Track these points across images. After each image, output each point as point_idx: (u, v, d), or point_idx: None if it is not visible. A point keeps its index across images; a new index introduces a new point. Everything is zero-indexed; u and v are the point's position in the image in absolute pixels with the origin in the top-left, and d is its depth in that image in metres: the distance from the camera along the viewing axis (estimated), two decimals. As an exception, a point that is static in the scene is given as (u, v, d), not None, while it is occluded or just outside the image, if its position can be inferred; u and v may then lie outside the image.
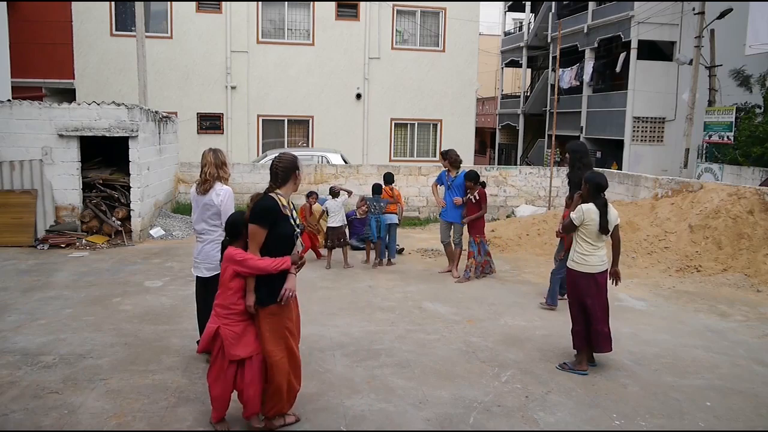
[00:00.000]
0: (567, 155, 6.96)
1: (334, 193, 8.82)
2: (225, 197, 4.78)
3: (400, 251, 9.61)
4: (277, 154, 4.10)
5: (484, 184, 8.18)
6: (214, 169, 4.81)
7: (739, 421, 4.23)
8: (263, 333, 3.77)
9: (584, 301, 4.96)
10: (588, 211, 4.94)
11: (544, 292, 7.33)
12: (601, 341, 5.00)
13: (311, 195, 9.21)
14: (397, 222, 8.99)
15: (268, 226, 3.75)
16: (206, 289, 4.99)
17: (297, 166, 3.92)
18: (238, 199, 13.40)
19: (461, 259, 8.32)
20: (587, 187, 5.05)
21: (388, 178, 9.03)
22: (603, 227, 4.94)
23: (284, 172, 3.87)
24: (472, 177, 7.99)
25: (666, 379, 4.89)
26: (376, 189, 8.81)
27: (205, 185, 4.82)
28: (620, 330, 5.92)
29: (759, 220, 8.63)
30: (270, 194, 3.85)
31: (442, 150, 8.80)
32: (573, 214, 5.03)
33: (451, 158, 8.28)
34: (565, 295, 6.34)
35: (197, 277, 5.02)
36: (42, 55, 17.00)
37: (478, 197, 7.93)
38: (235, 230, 3.96)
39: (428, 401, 4.37)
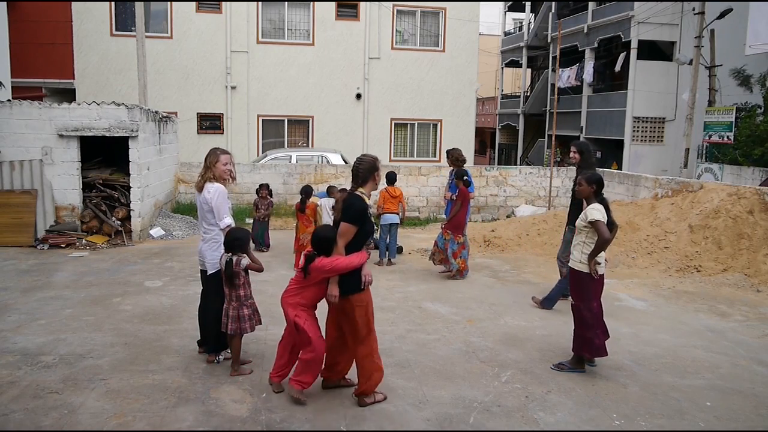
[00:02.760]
0: (577, 154, 6.83)
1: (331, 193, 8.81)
2: (214, 194, 4.85)
3: (400, 251, 9.61)
4: (358, 156, 4.40)
5: (467, 183, 8.05)
6: (203, 169, 4.97)
7: (739, 421, 4.23)
8: (356, 324, 4.15)
9: (592, 303, 4.93)
10: (602, 209, 4.92)
11: (544, 292, 7.35)
12: (601, 344, 4.97)
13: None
14: (398, 222, 8.99)
15: (359, 225, 4.13)
16: (207, 285, 5.02)
17: (377, 168, 4.26)
18: (237, 199, 13.41)
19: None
20: (595, 187, 5.02)
21: (392, 178, 9.04)
22: (612, 225, 4.94)
23: (365, 172, 4.21)
24: (456, 174, 8.04)
25: (666, 379, 4.89)
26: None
27: (199, 183, 4.97)
28: (620, 330, 5.93)
29: (759, 220, 8.63)
30: (357, 194, 4.19)
31: (447, 150, 8.82)
32: (596, 216, 4.83)
33: (452, 157, 8.36)
34: (569, 298, 6.35)
35: (201, 270, 5.08)
36: (42, 55, 17.00)
37: (457, 195, 7.94)
38: (328, 246, 4.17)
39: (428, 401, 4.37)
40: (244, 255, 4.71)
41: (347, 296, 4.11)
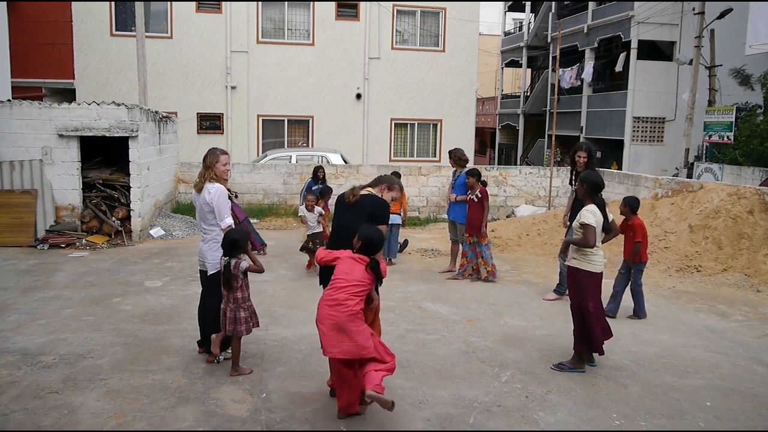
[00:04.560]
0: (586, 158, 6.78)
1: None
2: (216, 195, 4.85)
3: (404, 246, 9.68)
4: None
5: (484, 183, 8.09)
6: (203, 169, 4.97)
7: (739, 421, 4.23)
8: (374, 320, 4.27)
9: (587, 302, 4.92)
10: (596, 211, 4.92)
11: (544, 292, 7.36)
12: (600, 342, 4.99)
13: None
14: (400, 223, 9.00)
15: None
16: (206, 285, 5.03)
17: (392, 186, 4.43)
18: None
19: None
20: (584, 186, 5.03)
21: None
22: (605, 228, 4.94)
23: (377, 180, 4.49)
24: (474, 173, 7.96)
25: (666, 379, 4.89)
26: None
27: (198, 183, 4.97)
28: (620, 330, 5.92)
29: (759, 220, 8.63)
30: (379, 196, 4.36)
31: (449, 150, 8.80)
32: (587, 220, 4.87)
33: (454, 157, 8.33)
34: (565, 294, 6.34)
35: (200, 270, 5.09)
36: (42, 55, 16.99)
37: (480, 196, 7.88)
38: (381, 247, 4.11)
39: (428, 401, 4.37)
40: (244, 257, 4.69)
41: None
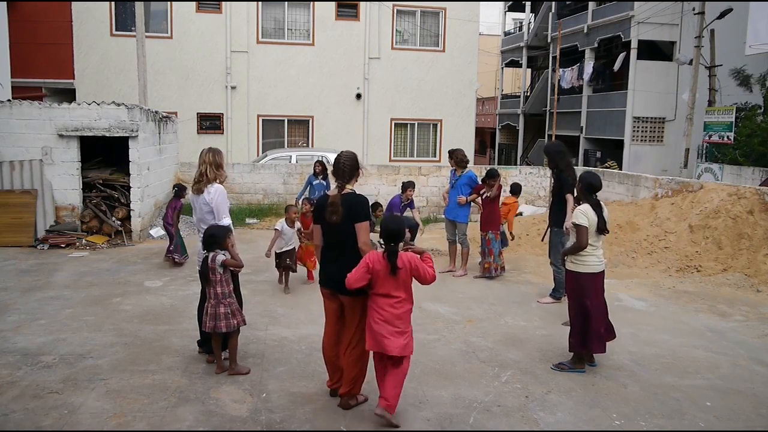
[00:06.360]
0: (546, 156, 6.92)
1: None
2: (216, 195, 4.84)
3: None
4: (339, 153, 4.27)
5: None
6: (211, 170, 4.88)
7: (739, 421, 4.23)
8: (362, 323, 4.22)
9: (584, 302, 4.94)
10: (589, 211, 4.92)
11: (544, 292, 7.35)
12: (597, 342, 4.98)
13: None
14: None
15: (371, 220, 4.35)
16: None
17: (359, 164, 4.21)
18: (237, 199, 13.37)
19: (469, 258, 8.43)
20: (580, 186, 5.04)
21: (515, 189, 9.49)
22: (601, 228, 4.94)
23: (351, 169, 4.15)
24: (495, 175, 8.07)
25: (666, 379, 4.89)
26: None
27: (199, 185, 4.90)
28: (620, 330, 5.91)
29: (759, 220, 8.63)
30: (358, 193, 4.16)
31: (449, 150, 8.80)
32: (578, 220, 4.89)
33: (456, 158, 8.35)
34: (563, 297, 6.33)
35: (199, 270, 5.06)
36: (42, 55, 16.98)
37: (496, 193, 8.02)
38: (402, 236, 4.01)
39: (428, 401, 4.37)
40: (221, 252, 4.68)
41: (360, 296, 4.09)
